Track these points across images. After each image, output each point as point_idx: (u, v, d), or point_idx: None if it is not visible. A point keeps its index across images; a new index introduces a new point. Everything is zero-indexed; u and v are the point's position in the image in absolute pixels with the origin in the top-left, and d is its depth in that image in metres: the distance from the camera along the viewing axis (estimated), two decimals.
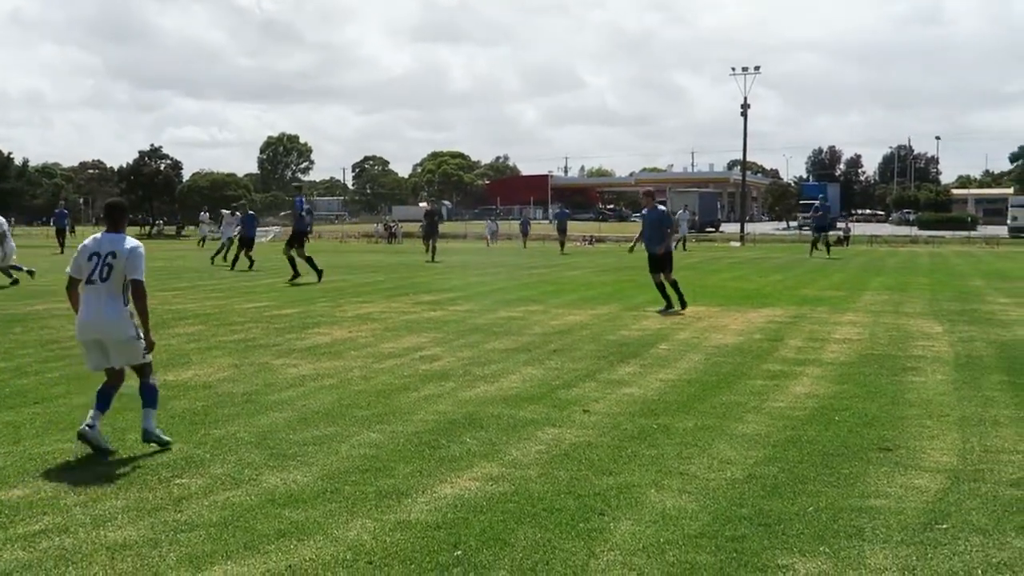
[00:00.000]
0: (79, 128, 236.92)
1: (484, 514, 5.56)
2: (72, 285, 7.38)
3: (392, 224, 75.36)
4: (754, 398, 8.88)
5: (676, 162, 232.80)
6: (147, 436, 7.12)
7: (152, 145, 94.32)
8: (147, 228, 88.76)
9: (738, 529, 5.29)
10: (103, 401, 7.17)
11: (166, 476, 6.40)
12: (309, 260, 22.90)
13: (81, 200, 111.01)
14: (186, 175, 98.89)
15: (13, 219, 45.55)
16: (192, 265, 32.37)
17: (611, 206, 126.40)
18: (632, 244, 18.12)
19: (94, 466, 6.63)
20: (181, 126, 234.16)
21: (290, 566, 4.81)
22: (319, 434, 7.51)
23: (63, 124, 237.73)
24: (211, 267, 30.14)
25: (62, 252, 39.59)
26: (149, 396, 7.29)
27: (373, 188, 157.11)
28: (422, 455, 6.91)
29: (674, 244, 47.88)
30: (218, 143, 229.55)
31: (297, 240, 23.04)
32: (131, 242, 7.21)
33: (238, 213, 34.41)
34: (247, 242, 29.44)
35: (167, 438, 7.20)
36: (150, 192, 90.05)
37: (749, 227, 72.50)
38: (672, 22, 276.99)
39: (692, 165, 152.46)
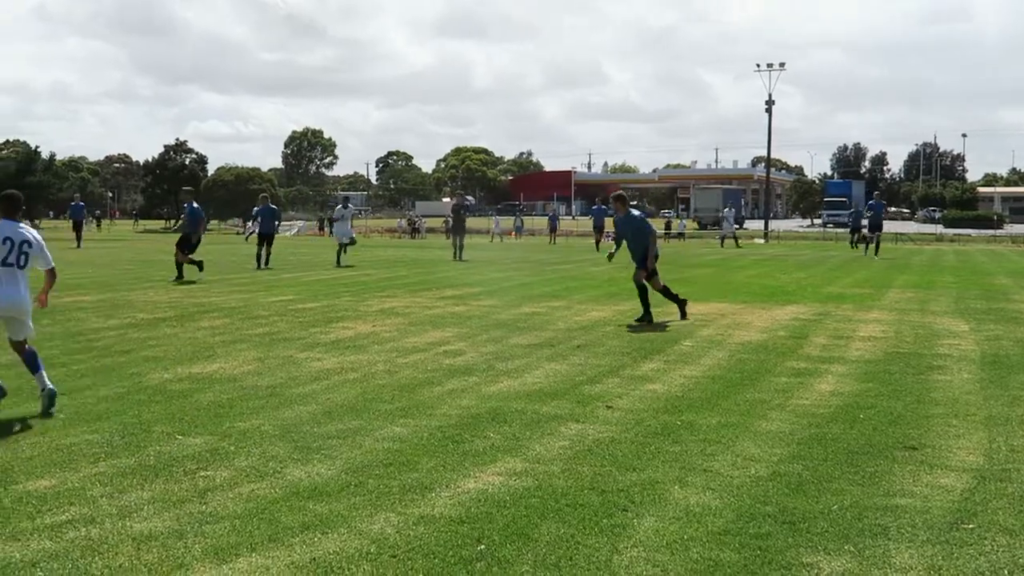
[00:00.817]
0: (105, 122, 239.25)
1: (507, 509, 5.56)
2: None
3: (416, 219, 75.53)
4: (778, 395, 8.84)
5: (700, 159, 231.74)
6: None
7: (177, 139, 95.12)
8: (172, 222, 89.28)
9: (762, 527, 5.27)
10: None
11: (191, 468, 6.43)
12: (180, 265, 22.25)
13: (109, 194, 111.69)
14: (210, 169, 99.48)
15: (52, 213, 44.86)
16: (216, 259, 32.50)
17: (634, 202, 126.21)
18: (612, 252, 15.56)
19: (120, 458, 6.67)
20: (205, 120, 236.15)
21: (314, 559, 4.83)
22: (343, 428, 7.54)
23: (89, 118, 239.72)
24: (241, 260, 30.24)
25: (79, 246, 39.74)
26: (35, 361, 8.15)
27: (397, 183, 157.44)
28: (446, 449, 6.92)
29: (721, 241, 47.57)
30: (242, 137, 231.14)
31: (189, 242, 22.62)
32: (34, 232, 8.14)
33: (351, 205, 31.24)
34: (267, 237, 27.34)
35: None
36: (175, 186, 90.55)
37: (773, 224, 72.20)
38: (695, 18, 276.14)
39: (716, 162, 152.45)
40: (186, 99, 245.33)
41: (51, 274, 8.33)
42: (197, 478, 6.22)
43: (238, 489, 5.98)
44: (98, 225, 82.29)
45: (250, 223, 54.94)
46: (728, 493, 5.88)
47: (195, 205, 23.72)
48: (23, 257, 7.91)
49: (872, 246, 36.52)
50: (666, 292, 14.49)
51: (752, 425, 7.66)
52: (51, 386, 8.05)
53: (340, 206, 31.36)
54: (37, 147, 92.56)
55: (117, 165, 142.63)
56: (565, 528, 5.24)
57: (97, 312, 14.99)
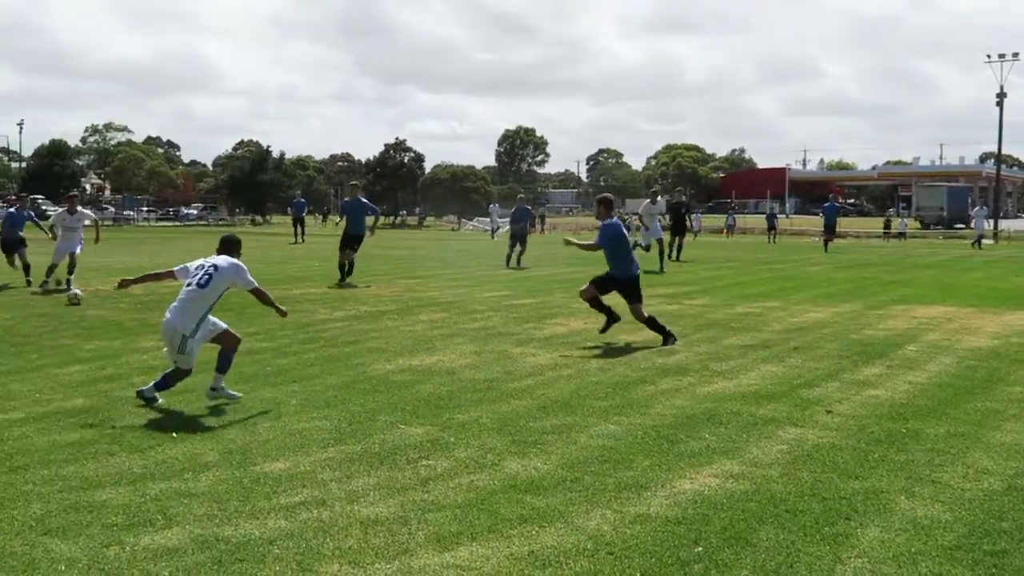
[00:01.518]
0: (329, 122, 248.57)
1: (725, 512, 5.49)
2: (165, 275, 8.80)
3: (626, 216, 75.49)
4: (1013, 405, 8.36)
5: (922, 154, 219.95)
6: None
7: (396, 138, 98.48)
8: (392, 219, 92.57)
9: (998, 543, 5.00)
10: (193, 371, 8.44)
11: (413, 457, 6.66)
12: (343, 266, 20.35)
13: (332, 191, 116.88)
14: (427, 167, 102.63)
15: (289, 209, 45.68)
16: (433, 255, 33.50)
17: (852, 200, 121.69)
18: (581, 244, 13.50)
19: (348, 444, 6.99)
20: (422, 120, 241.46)
21: (532, 552, 4.91)
22: (558, 423, 7.63)
23: (315, 118, 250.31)
24: (455, 257, 31.01)
25: (301, 241, 41.29)
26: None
27: (607, 181, 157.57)
28: (660, 449, 6.90)
29: (976, 243, 44.10)
30: (457, 136, 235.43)
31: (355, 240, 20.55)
32: (231, 260, 8.49)
33: (660, 199, 27.73)
34: (520, 238, 26.31)
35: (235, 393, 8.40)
36: (394, 184, 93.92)
37: (1003, 224, 68.13)
38: (919, 7, 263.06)
39: (940, 158, 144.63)
40: (404, 99, 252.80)
41: (257, 293, 8.59)
42: (419, 467, 6.44)
43: (458, 479, 6.16)
44: (323, 220, 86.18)
45: (492, 218, 56.57)
46: (959, 506, 5.61)
47: (362, 199, 21.53)
48: (206, 277, 8.20)
49: None
50: (652, 323, 12.07)
51: (984, 436, 7.28)
52: (224, 389, 8.35)
53: (648, 201, 27.50)
54: (268, 146, 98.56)
55: (340, 163, 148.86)
56: (785, 534, 5.13)
57: (324, 304, 15.72)
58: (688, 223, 30.49)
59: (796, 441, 7.12)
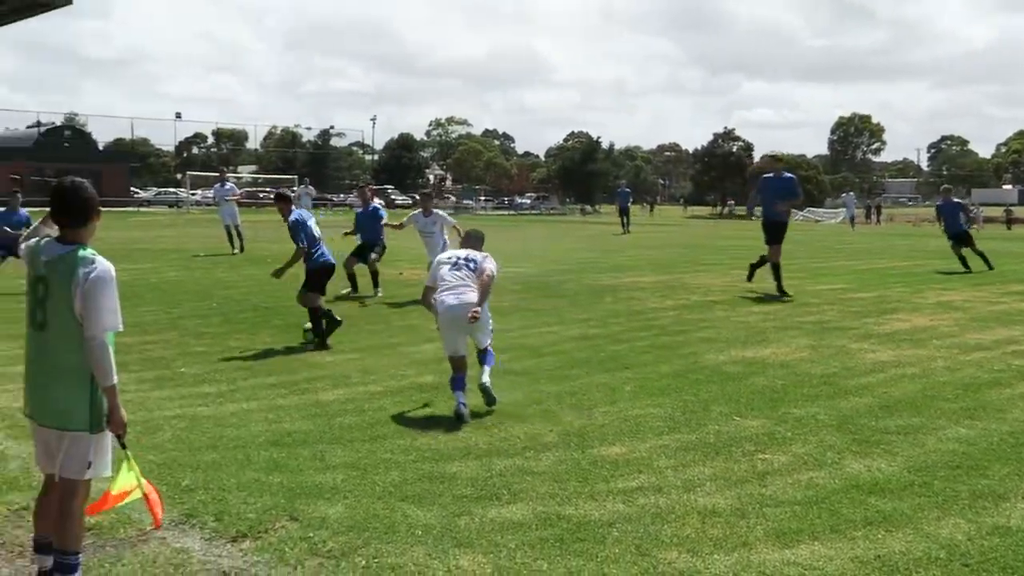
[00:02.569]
0: (657, 113, 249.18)
1: None
2: (427, 293, 8.11)
3: (972, 208, 70.64)
4: None
5: None
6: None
7: (725, 128, 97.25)
8: (718, 209, 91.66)
9: None
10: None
11: (749, 450, 6.57)
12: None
13: (661, 181, 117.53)
14: (756, 156, 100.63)
15: (619, 200, 44.59)
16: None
17: None
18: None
19: (682, 433, 6.99)
20: (751, 108, 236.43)
21: (879, 556, 4.71)
22: (902, 424, 7.26)
23: (643, 109, 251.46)
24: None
25: (626, 232, 41.32)
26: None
27: (949, 169, 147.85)
28: (1019, 457, 6.40)
29: None
30: (788, 124, 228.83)
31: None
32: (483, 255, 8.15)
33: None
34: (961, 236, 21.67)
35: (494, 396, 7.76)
36: (722, 174, 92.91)
37: None
38: None
39: None
40: (733, 88, 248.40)
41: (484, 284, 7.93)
42: (755, 460, 6.34)
43: (796, 475, 6.01)
44: (651, 210, 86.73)
45: (849, 207, 55.30)
46: None
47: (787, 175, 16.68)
48: (472, 263, 7.92)
49: None
50: (314, 315, 10.67)
51: None
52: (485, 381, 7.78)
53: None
54: (598, 137, 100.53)
55: (668, 153, 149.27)
56: None
57: (654, 293, 15.81)
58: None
59: None
